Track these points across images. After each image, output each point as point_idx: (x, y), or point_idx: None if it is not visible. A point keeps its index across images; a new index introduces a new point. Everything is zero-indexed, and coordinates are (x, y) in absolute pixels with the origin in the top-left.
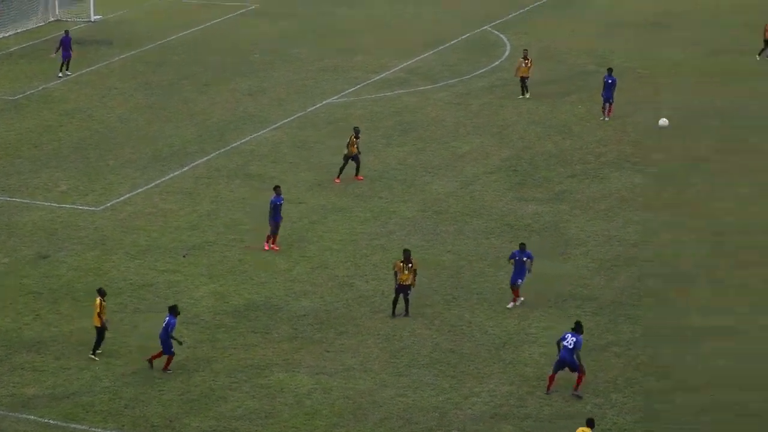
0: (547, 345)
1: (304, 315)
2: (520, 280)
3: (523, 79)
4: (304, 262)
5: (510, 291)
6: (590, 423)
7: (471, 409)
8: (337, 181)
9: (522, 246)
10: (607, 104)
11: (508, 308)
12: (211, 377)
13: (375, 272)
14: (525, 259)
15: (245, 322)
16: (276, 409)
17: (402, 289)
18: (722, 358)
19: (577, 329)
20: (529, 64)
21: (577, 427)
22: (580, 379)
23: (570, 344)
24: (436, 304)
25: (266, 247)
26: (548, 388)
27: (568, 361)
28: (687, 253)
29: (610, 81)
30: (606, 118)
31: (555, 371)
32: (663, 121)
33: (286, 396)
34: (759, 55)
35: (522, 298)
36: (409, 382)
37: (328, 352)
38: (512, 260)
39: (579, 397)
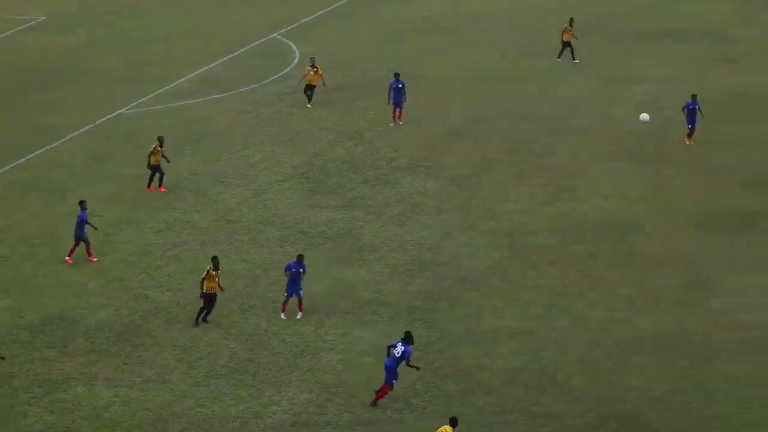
0: (344, 351)
1: (101, 328)
2: (301, 292)
3: (310, 87)
4: (99, 274)
5: (283, 303)
6: (453, 422)
7: (271, 417)
8: (150, 189)
9: (299, 257)
10: (397, 109)
11: (281, 318)
12: (9, 393)
13: (170, 283)
14: (301, 270)
15: (42, 337)
16: (75, 423)
17: (208, 297)
18: (517, 359)
19: (407, 339)
20: (316, 72)
21: None
22: (383, 392)
23: (398, 353)
24: (232, 313)
25: (68, 260)
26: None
27: (391, 369)
28: (480, 255)
29: (398, 86)
30: (398, 123)
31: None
32: (644, 116)
33: (84, 410)
34: (559, 57)
35: (302, 312)
36: (208, 393)
37: (125, 364)
38: (288, 272)
39: (374, 406)
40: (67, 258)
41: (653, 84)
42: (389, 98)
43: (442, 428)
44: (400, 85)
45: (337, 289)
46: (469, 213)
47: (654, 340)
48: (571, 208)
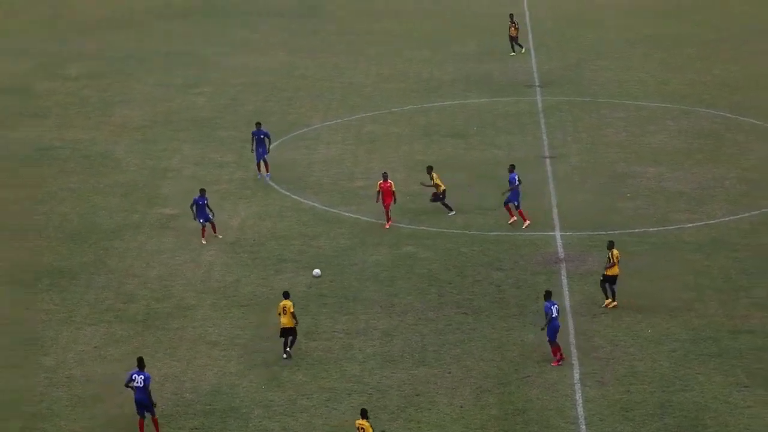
0: None
1: None
2: None
3: None
4: None
5: None
6: (364, 413)
7: None
8: None
9: None
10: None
11: None
12: None
13: None
14: None
15: None
16: None
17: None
18: None
19: (140, 365)
20: None
21: None
22: (155, 423)
23: (140, 383)
24: None
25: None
26: None
27: (145, 401)
28: None
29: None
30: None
31: (142, 416)
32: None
33: None
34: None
35: None
36: None
37: None
38: None
39: None
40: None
41: None
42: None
43: (359, 421)
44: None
45: None
46: None
47: None
48: None
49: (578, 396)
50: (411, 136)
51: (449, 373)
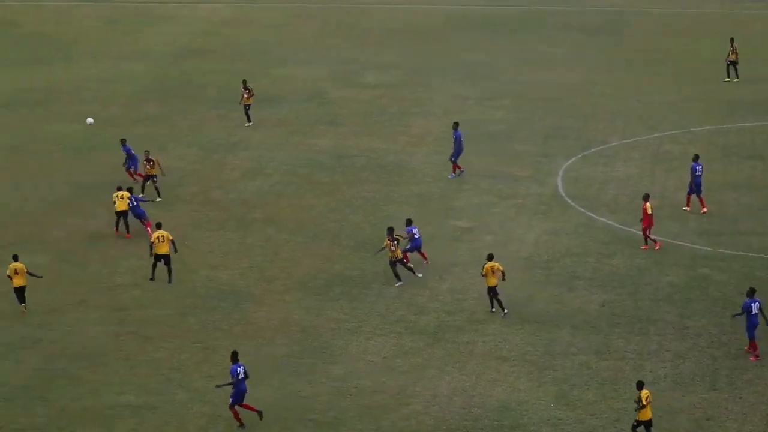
0: None
1: None
2: None
3: None
4: None
5: None
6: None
7: None
8: None
9: None
10: None
11: None
12: None
13: None
14: None
15: None
16: None
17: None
18: None
19: (235, 358)
20: None
21: None
22: None
23: (242, 375)
24: None
25: None
26: None
27: (246, 391)
28: (94, 331)
29: None
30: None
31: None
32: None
33: None
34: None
35: None
36: None
37: None
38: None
39: None
40: None
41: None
42: None
43: None
44: None
45: None
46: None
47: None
48: (179, 279)
49: None
50: (709, 156)
51: (740, 398)
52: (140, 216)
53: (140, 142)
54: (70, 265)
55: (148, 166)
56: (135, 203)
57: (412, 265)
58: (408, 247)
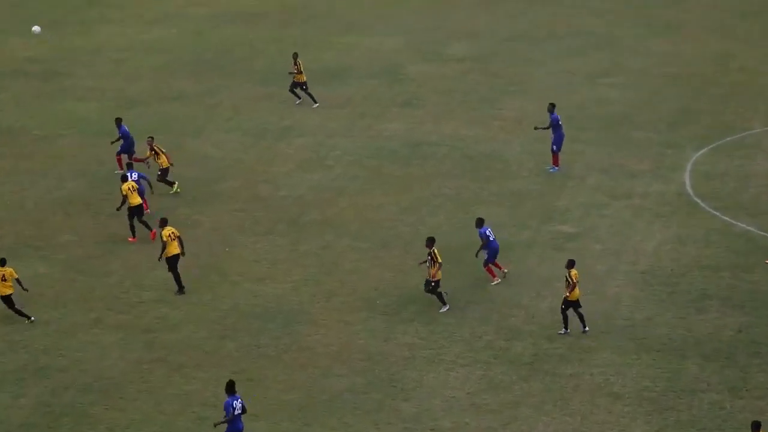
0: None
1: None
2: None
3: None
4: None
5: None
6: None
7: None
8: None
9: None
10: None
11: None
12: None
13: None
14: None
15: None
16: None
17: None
18: None
19: (232, 389)
20: None
21: None
22: None
23: (239, 410)
24: None
25: None
26: None
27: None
28: (112, 358)
29: None
30: None
31: None
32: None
33: None
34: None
35: None
36: None
37: None
38: None
39: None
40: None
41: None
42: None
43: None
44: None
45: None
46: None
47: None
48: (216, 294)
49: None
50: None
51: None
52: (140, 194)
53: (171, 125)
54: (83, 275)
55: (154, 157)
56: (139, 185)
57: (445, 292)
58: (487, 255)
